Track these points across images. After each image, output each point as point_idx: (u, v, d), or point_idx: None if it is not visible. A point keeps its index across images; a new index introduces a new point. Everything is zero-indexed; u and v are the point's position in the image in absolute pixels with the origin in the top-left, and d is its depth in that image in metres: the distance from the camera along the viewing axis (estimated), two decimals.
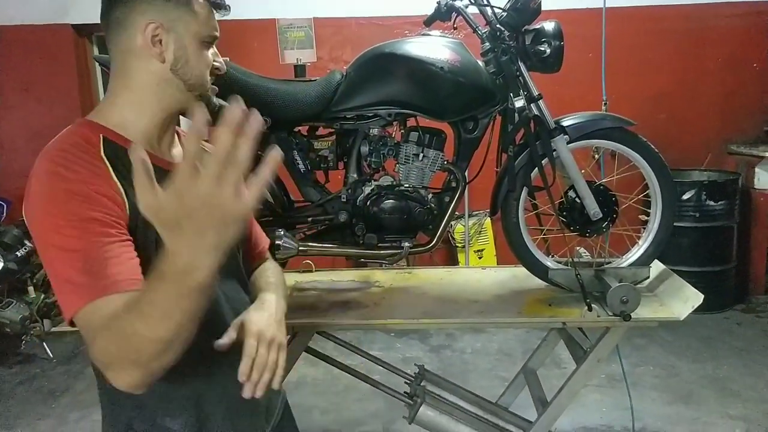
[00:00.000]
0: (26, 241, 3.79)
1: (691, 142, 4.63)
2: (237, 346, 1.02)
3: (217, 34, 1.14)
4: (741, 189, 4.43)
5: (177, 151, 1.16)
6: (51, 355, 3.93)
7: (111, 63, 1.10)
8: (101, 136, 1.03)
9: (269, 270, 1.32)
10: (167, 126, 1.12)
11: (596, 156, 3.02)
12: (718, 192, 4.30)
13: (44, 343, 3.93)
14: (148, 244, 0.99)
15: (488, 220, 4.57)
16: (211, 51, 1.15)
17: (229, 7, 1.18)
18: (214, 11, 1.14)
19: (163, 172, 0.85)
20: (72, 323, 0.94)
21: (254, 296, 1.20)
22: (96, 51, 4.76)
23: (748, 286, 4.68)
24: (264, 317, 1.08)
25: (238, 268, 1.23)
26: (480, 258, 4.58)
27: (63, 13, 4.50)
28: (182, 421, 1.10)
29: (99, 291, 0.90)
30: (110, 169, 0.99)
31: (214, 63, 1.16)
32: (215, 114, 0.99)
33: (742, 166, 4.59)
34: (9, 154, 4.68)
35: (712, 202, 4.29)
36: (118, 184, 0.99)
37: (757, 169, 4.49)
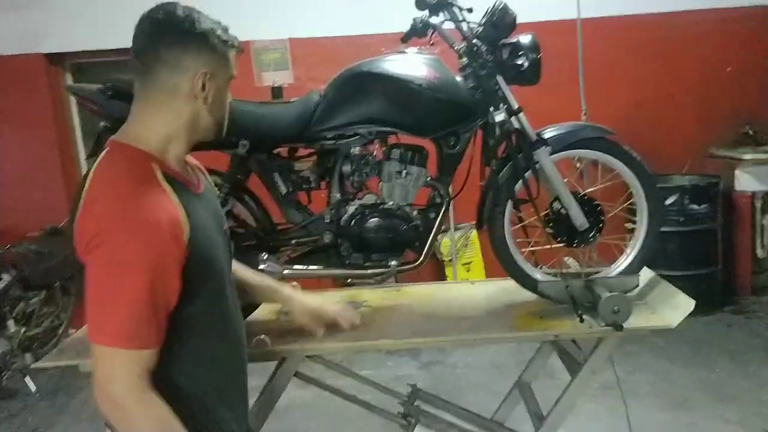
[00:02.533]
0: (3, 275, 3.70)
1: (671, 147, 4.66)
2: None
3: (236, 73, 1.30)
4: (722, 191, 4.47)
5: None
6: (34, 390, 3.83)
7: (146, 94, 1.22)
8: (156, 167, 1.19)
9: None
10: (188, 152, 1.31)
11: (579, 166, 3.02)
12: (701, 195, 4.34)
13: (26, 378, 3.83)
14: (206, 250, 1.22)
15: (475, 232, 4.55)
16: None
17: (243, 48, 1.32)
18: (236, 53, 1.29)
19: (186, 190, 1.24)
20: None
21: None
22: (70, 79, 4.70)
23: (735, 287, 4.69)
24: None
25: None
26: (468, 271, 4.55)
27: (35, 43, 4.44)
28: (236, 414, 1.36)
29: (142, 344, 1.13)
30: (172, 195, 1.18)
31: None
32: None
33: (723, 169, 4.63)
34: None
35: (695, 206, 4.31)
36: (180, 206, 1.17)
37: (737, 172, 4.52)
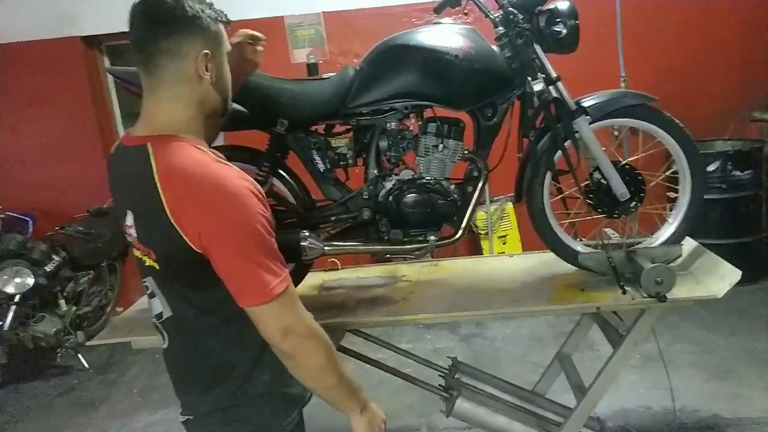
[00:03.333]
0: (54, 256, 3.84)
1: (712, 111, 4.52)
2: None
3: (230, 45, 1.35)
4: (767, 156, 4.32)
5: None
6: (87, 366, 3.99)
7: (154, 85, 1.26)
8: (202, 148, 1.26)
9: None
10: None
11: (616, 135, 2.96)
12: (744, 161, 4.20)
13: (79, 355, 4.00)
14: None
15: (510, 205, 4.52)
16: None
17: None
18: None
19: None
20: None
21: None
22: (107, 62, 4.77)
23: None
24: None
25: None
26: (504, 244, 4.53)
27: (71, 26, 4.51)
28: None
29: (289, 280, 1.24)
30: (231, 165, 1.25)
31: None
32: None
33: (767, 132, 4.47)
34: (29, 169, 4.72)
35: (738, 172, 4.19)
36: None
37: None
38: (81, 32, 4.54)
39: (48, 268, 3.77)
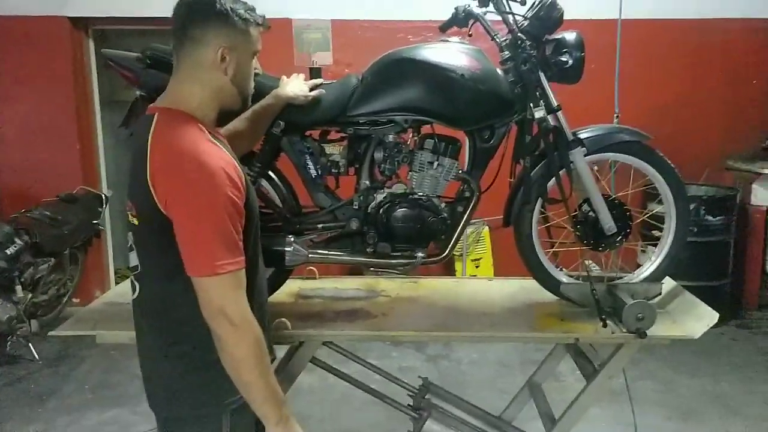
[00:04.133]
0: (16, 239, 3.68)
1: (690, 155, 4.59)
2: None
3: (260, 48, 1.45)
4: (738, 204, 4.44)
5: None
6: (37, 357, 3.83)
7: (179, 66, 1.39)
8: (201, 126, 1.36)
9: None
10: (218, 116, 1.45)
11: (596, 168, 2.99)
12: (717, 207, 4.31)
13: (30, 345, 3.83)
14: (252, 201, 1.43)
15: (486, 228, 4.54)
16: (254, 60, 1.47)
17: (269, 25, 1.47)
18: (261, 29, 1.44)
19: (226, 146, 1.40)
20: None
21: None
22: (92, 45, 4.65)
23: (742, 301, 4.67)
24: None
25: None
26: (477, 267, 4.54)
27: (60, 5, 4.39)
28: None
29: (239, 265, 1.31)
30: (224, 147, 1.37)
31: (255, 69, 1.49)
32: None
33: (740, 181, 4.60)
34: (2, 147, 4.55)
35: (710, 217, 4.29)
36: (233, 156, 1.38)
37: (754, 186, 4.50)
38: (69, 13, 4.42)
39: (9, 251, 3.61)
